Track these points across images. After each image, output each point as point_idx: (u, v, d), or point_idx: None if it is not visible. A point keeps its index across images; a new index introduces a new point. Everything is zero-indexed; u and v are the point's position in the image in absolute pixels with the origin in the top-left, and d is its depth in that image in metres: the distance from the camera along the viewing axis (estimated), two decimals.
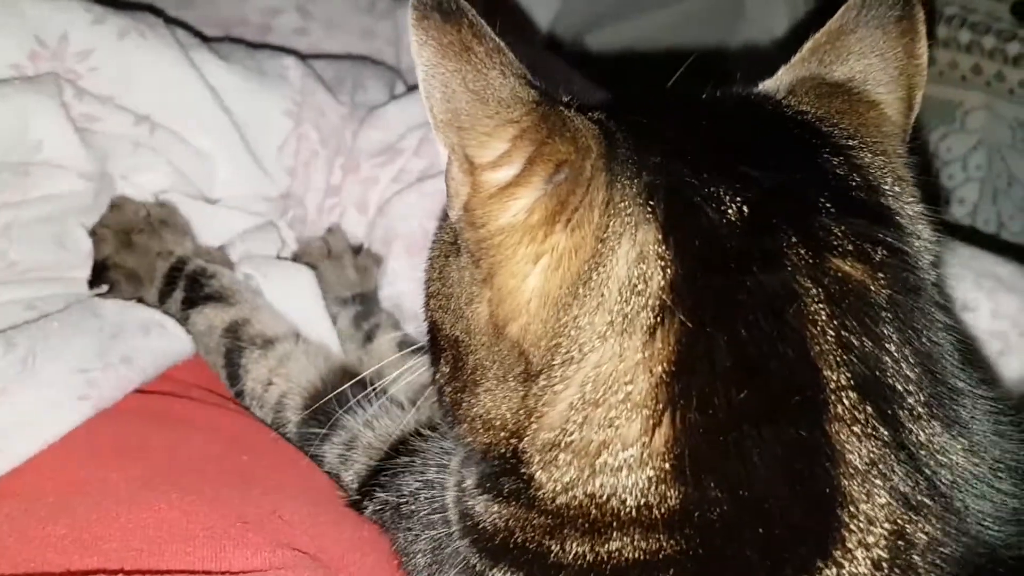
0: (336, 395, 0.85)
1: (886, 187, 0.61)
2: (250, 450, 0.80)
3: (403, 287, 1.02)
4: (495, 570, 0.59)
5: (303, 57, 1.11)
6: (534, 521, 0.57)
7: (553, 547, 0.56)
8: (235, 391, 0.90)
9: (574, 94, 0.63)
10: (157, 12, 1.01)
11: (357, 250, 1.09)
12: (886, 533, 0.51)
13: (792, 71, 0.68)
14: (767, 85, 0.68)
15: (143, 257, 0.93)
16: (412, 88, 1.20)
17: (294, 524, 0.71)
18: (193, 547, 0.65)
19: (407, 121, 1.09)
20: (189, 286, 0.93)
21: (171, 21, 1.01)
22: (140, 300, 0.91)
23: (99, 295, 0.88)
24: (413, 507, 0.71)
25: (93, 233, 0.91)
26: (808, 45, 0.69)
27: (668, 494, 0.53)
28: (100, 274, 0.91)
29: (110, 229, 0.92)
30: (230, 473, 0.76)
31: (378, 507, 0.76)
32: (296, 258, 1.04)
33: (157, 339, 0.86)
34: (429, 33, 0.55)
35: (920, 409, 0.53)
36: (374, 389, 0.84)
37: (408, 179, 1.06)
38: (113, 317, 0.85)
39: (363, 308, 1.02)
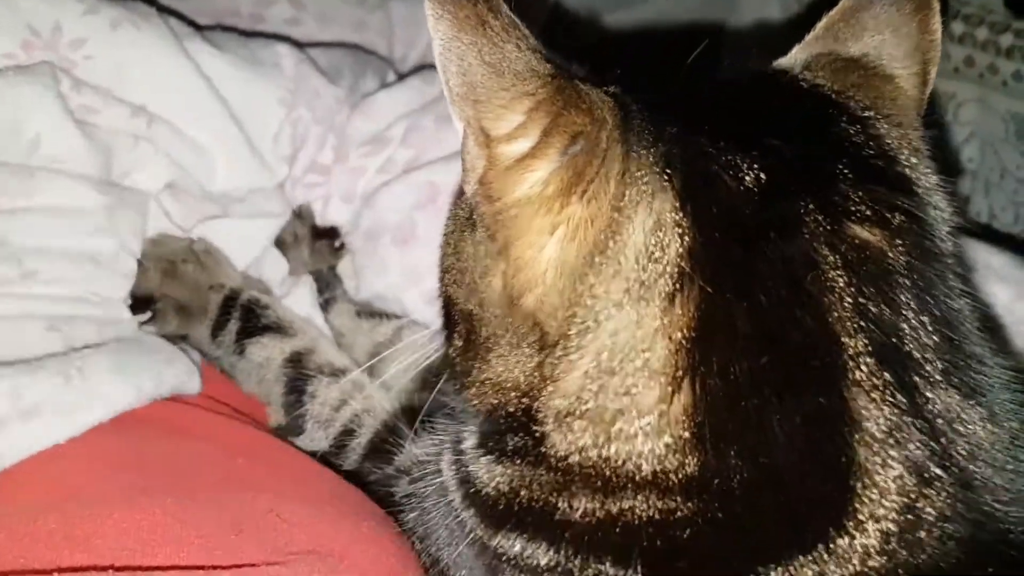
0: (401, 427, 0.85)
1: (902, 157, 0.61)
2: (246, 454, 0.79)
3: (393, 278, 1.02)
4: (498, 536, 0.59)
5: (298, 45, 1.10)
6: (541, 478, 0.57)
7: (560, 504, 0.56)
8: (291, 416, 0.90)
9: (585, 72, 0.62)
10: (149, 2, 0.99)
11: (330, 232, 1.08)
12: (897, 506, 0.51)
13: (807, 48, 0.68)
14: (782, 62, 0.69)
15: (194, 291, 0.93)
16: (402, 77, 1.20)
17: (292, 523, 0.70)
18: (187, 552, 0.65)
19: (395, 110, 1.09)
20: (244, 316, 0.93)
21: (163, 11, 1.00)
22: (185, 337, 0.92)
23: (142, 323, 0.88)
24: (432, 504, 0.70)
25: (139, 263, 0.90)
26: (822, 23, 0.69)
27: (686, 461, 0.53)
28: (144, 305, 0.90)
29: (153, 260, 0.92)
30: (226, 477, 0.75)
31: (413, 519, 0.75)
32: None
33: (195, 382, 0.86)
34: (445, 7, 0.56)
35: (938, 376, 0.54)
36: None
37: (394, 169, 1.06)
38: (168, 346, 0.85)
39: (318, 283, 1.03)
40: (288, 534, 0.69)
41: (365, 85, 1.14)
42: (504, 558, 0.59)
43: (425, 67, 1.22)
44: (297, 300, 0.99)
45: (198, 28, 1.04)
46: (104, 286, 0.86)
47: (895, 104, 0.65)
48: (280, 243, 1.03)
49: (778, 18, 1.80)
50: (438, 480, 0.67)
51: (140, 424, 0.79)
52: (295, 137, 1.03)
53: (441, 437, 0.70)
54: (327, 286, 1.04)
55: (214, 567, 0.64)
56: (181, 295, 0.92)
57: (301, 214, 1.07)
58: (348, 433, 0.88)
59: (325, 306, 1.01)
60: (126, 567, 0.62)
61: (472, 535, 0.61)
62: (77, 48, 0.89)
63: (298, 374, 0.90)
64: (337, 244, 1.07)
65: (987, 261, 1.00)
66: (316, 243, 1.06)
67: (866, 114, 0.62)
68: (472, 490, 0.62)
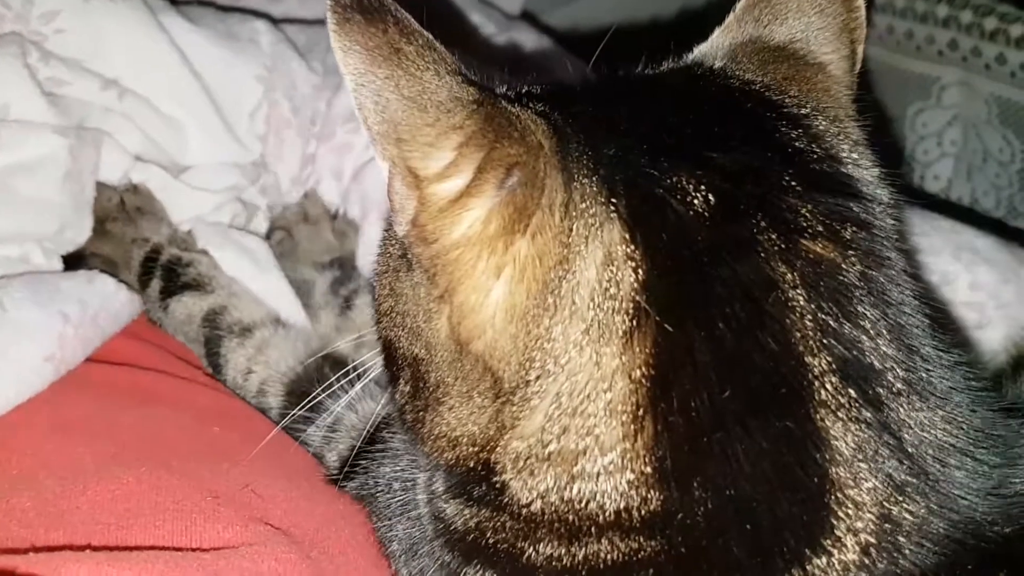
0: (319, 378, 0.84)
1: (844, 155, 0.59)
2: (221, 423, 0.79)
3: None
4: (468, 567, 0.58)
5: (275, 22, 1.09)
6: (507, 525, 0.56)
7: (526, 549, 0.55)
8: (220, 379, 0.90)
9: (542, 73, 0.60)
10: None
11: (334, 216, 1.07)
12: (874, 517, 0.50)
13: (727, 34, 0.66)
14: (702, 49, 0.66)
15: (118, 245, 0.92)
16: None
17: (266, 498, 0.70)
18: (162, 521, 0.64)
19: None
20: (166, 275, 0.92)
21: None
22: None
23: None
24: (388, 498, 0.70)
25: None
26: (741, 4, 0.66)
27: (649, 497, 0.51)
28: (76, 263, 0.89)
29: None
30: (200, 446, 0.75)
31: (356, 486, 0.75)
32: (271, 224, 1.03)
33: (123, 296, 0.86)
34: (352, 38, 0.51)
35: (899, 385, 0.53)
36: (355, 370, 0.81)
37: None
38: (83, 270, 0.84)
39: (341, 273, 1.00)
40: (264, 509, 0.68)
41: None
42: None
43: None
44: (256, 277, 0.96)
45: (174, 3, 1.03)
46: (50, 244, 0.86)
47: (829, 95, 0.63)
48: (285, 228, 1.02)
49: None
50: (408, 499, 0.67)
51: (111, 391, 0.79)
52: (271, 117, 1.02)
53: (414, 473, 0.69)
54: (348, 277, 1.01)
55: (193, 549, 0.63)
56: (108, 250, 0.92)
57: (309, 196, 1.05)
58: (263, 401, 0.88)
59: (348, 302, 0.98)
60: (103, 546, 0.61)
61: (441, 561, 0.61)
62: (49, 21, 0.89)
63: (213, 334, 0.90)
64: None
65: (972, 244, 1.00)
66: (335, 223, 1.04)
67: (803, 111, 0.60)
68: (442, 525, 0.61)
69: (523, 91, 0.60)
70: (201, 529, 0.64)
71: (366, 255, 1.02)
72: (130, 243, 0.92)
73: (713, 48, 0.65)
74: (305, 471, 0.79)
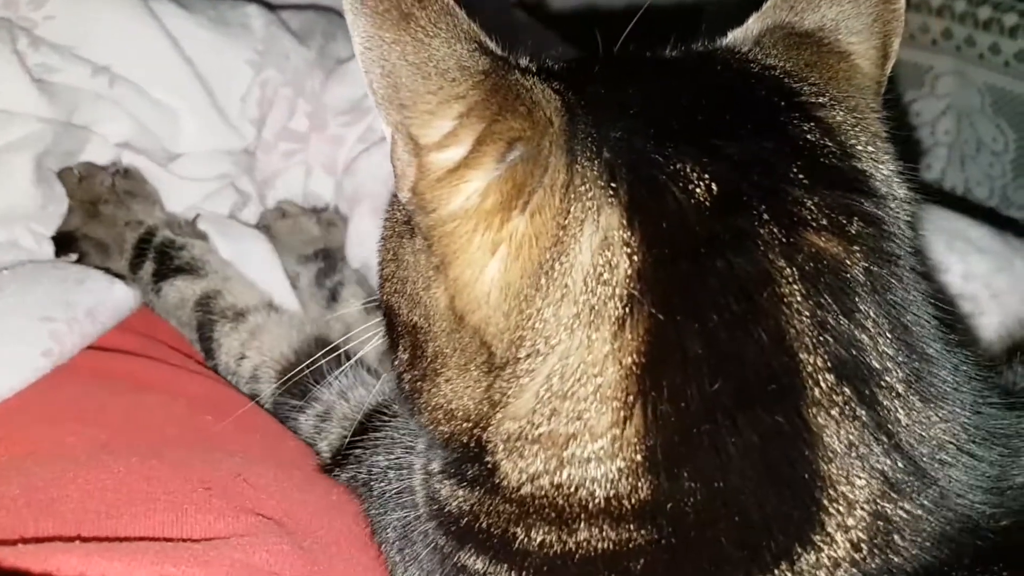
0: (311, 366, 0.83)
1: (859, 148, 0.58)
2: (213, 412, 0.78)
3: (372, 248, 1.00)
4: (461, 552, 0.58)
5: (269, 7, 1.09)
6: (499, 508, 0.56)
7: (519, 534, 0.55)
8: (212, 365, 0.89)
9: (538, 57, 0.59)
10: None
11: (323, 210, 1.06)
12: (866, 515, 0.50)
13: (762, 19, 0.65)
14: (736, 35, 0.65)
15: (111, 228, 0.91)
16: None
17: (259, 488, 0.69)
18: (154, 511, 0.63)
19: None
20: (159, 258, 0.91)
21: None
22: (108, 271, 0.89)
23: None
24: (383, 486, 0.70)
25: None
26: None
27: (639, 486, 0.51)
28: (67, 244, 0.89)
29: (77, 200, 0.90)
30: (192, 436, 0.74)
31: (349, 477, 0.75)
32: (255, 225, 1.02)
33: (120, 290, 0.84)
34: (364, 1, 0.51)
35: (899, 386, 0.52)
36: (348, 358, 0.82)
37: (374, 138, 1.04)
38: (76, 268, 0.83)
39: (325, 264, 0.99)
40: (256, 499, 0.68)
41: (336, 48, 1.12)
42: (467, 572, 0.58)
43: None
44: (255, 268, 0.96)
45: None
46: (37, 226, 0.86)
47: (851, 84, 0.62)
48: (265, 225, 1.02)
49: None
50: (404, 486, 0.67)
51: (102, 378, 0.78)
52: (263, 99, 1.02)
53: (409, 456, 0.68)
54: (334, 268, 1.00)
55: (183, 539, 0.62)
56: (101, 233, 0.91)
57: (283, 200, 1.05)
58: (255, 387, 0.87)
59: (334, 294, 0.97)
60: (93, 536, 0.60)
61: (434, 544, 0.61)
62: (38, 7, 0.88)
63: (206, 318, 0.89)
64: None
65: (966, 233, 1.00)
66: (322, 214, 1.04)
67: (820, 100, 0.59)
68: (436, 507, 0.61)
69: (544, 66, 0.59)
70: (192, 520, 0.64)
71: (356, 245, 1.01)
72: (123, 225, 0.92)
73: (745, 32, 0.65)
74: (298, 461, 0.78)
